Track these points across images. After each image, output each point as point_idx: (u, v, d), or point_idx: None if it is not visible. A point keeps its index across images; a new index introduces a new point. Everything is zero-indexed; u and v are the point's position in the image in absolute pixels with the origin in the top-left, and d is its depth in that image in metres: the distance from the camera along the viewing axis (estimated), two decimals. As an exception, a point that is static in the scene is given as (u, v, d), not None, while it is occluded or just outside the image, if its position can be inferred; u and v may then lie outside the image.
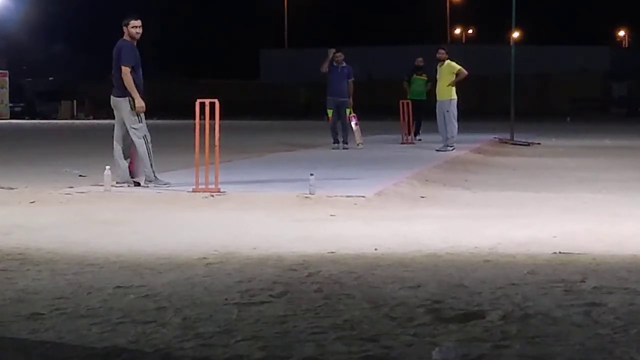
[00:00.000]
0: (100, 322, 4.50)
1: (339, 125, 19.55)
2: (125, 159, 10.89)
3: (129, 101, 10.75)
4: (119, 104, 10.84)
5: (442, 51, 19.06)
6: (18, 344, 4.13)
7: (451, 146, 18.55)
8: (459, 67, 18.63)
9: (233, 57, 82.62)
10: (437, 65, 19.06)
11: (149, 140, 10.80)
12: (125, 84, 10.70)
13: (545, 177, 13.61)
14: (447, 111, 18.61)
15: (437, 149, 18.63)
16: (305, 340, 4.18)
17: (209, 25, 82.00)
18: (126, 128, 10.83)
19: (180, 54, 78.48)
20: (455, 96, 18.70)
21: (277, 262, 6.21)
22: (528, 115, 44.36)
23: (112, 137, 11.05)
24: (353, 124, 19.85)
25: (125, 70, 10.70)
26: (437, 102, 18.98)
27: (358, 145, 19.54)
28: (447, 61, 18.78)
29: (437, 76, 19.07)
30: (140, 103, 10.69)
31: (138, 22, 10.83)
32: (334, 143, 19.45)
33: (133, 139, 10.79)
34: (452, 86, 18.56)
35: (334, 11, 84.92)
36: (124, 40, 10.86)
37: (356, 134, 19.84)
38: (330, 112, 19.49)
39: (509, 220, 8.43)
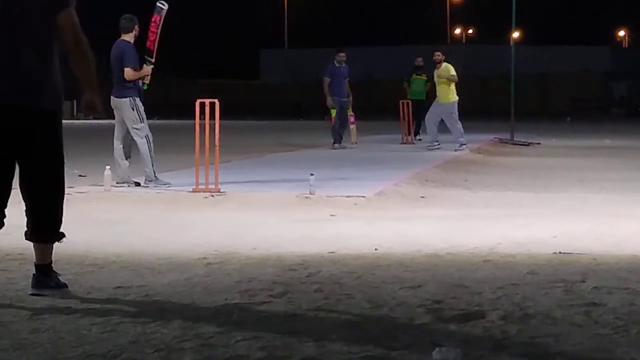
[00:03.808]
0: (100, 322, 4.50)
1: (338, 125, 19.65)
2: (125, 158, 10.88)
3: (130, 102, 10.75)
4: (120, 105, 10.83)
5: (439, 53, 19.25)
6: (18, 344, 4.13)
7: (465, 144, 18.70)
8: (454, 72, 18.84)
9: (233, 57, 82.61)
10: (434, 68, 19.33)
11: (150, 140, 10.79)
12: (134, 77, 10.72)
13: (545, 177, 13.61)
14: (452, 113, 18.73)
15: (427, 146, 18.87)
16: (305, 340, 4.18)
17: (209, 25, 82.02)
18: (126, 128, 10.82)
19: (180, 54, 78.51)
20: (456, 98, 18.84)
21: (277, 262, 6.21)
22: (528, 115, 44.36)
23: (112, 137, 11.05)
24: (350, 123, 19.98)
25: (128, 72, 10.69)
26: (438, 104, 19.08)
27: (353, 144, 19.69)
28: (445, 63, 18.97)
29: (435, 79, 19.27)
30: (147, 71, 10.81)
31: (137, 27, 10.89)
32: (335, 143, 19.47)
33: (135, 139, 10.78)
34: (452, 82, 18.69)
35: (334, 11, 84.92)
36: (125, 41, 10.82)
37: (352, 133, 19.99)
38: (333, 112, 19.53)
39: (509, 220, 8.43)
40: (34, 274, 5.22)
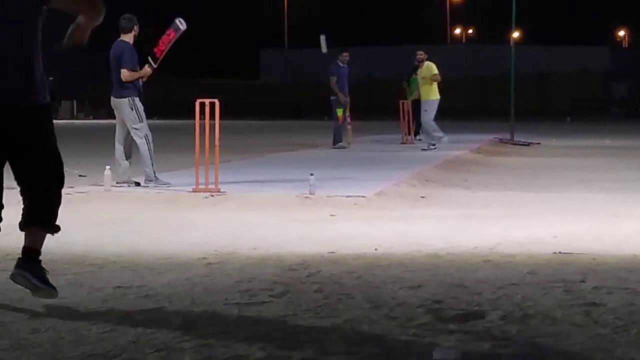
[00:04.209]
0: (100, 322, 4.50)
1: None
2: (126, 159, 10.88)
3: (129, 101, 10.75)
4: (120, 105, 10.83)
5: (421, 52, 19.59)
6: (18, 344, 4.13)
7: (441, 136, 18.83)
8: (436, 71, 19.03)
9: (233, 57, 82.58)
10: (418, 67, 19.60)
11: (150, 140, 10.79)
12: (131, 78, 10.68)
13: (545, 177, 13.61)
14: (425, 110, 18.90)
15: (422, 149, 18.94)
16: (305, 340, 4.18)
17: (209, 25, 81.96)
18: (127, 128, 10.82)
19: (180, 54, 78.54)
20: (437, 97, 19.00)
21: (277, 262, 6.21)
22: (528, 115, 44.35)
23: (113, 137, 11.05)
24: (347, 123, 20.09)
25: (124, 73, 10.68)
26: (422, 102, 19.30)
27: (349, 144, 19.80)
28: (427, 62, 19.20)
29: (419, 78, 19.47)
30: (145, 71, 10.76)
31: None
32: (337, 143, 19.49)
33: (135, 139, 10.79)
34: (435, 81, 18.81)
35: (334, 11, 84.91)
36: (125, 41, 10.81)
37: (348, 133, 20.12)
38: (340, 112, 19.57)
39: (509, 220, 8.43)
40: (18, 257, 5.06)
